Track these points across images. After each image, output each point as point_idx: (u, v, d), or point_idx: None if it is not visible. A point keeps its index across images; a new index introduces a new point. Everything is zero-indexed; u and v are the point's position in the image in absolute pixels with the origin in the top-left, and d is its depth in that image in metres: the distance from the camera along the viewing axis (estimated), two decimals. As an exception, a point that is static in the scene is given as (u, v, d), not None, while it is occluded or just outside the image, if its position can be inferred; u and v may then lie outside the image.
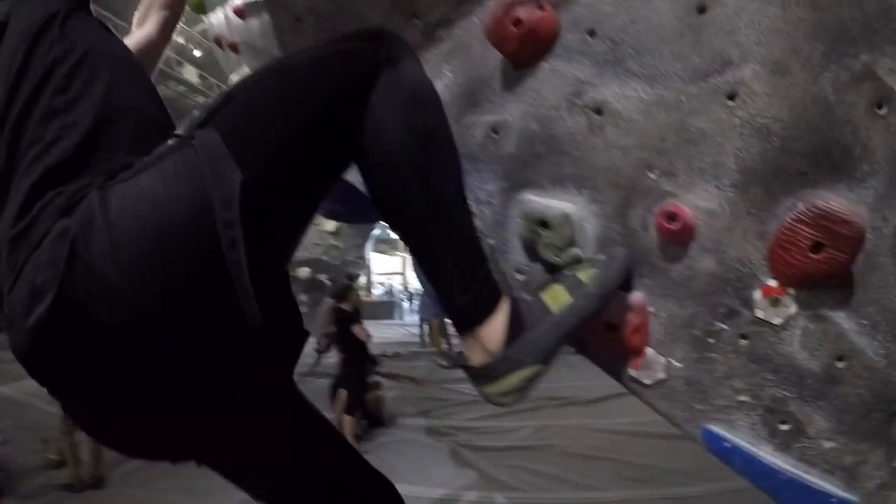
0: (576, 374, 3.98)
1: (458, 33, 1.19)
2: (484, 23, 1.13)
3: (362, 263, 15.09)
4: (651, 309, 1.07)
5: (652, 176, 1.03)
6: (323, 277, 12.24)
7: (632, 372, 1.10)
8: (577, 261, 1.06)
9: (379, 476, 1.03)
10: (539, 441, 4.51)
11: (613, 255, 1.04)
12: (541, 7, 1.10)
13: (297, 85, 0.76)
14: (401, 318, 19.80)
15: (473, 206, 1.15)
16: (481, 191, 1.22)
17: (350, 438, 4.14)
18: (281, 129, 0.72)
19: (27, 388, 6.59)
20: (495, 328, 0.85)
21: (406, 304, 21.25)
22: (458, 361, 0.88)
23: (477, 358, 0.86)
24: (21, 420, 5.32)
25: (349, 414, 4.62)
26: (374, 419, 5.00)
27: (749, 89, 0.94)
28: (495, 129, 1.19)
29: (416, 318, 14.01)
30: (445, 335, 9.93)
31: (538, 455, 4.17)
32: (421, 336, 12.21)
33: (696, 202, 1.00)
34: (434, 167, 0.80)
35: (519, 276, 1.18)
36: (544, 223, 1.12)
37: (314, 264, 12.10)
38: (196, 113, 0.79)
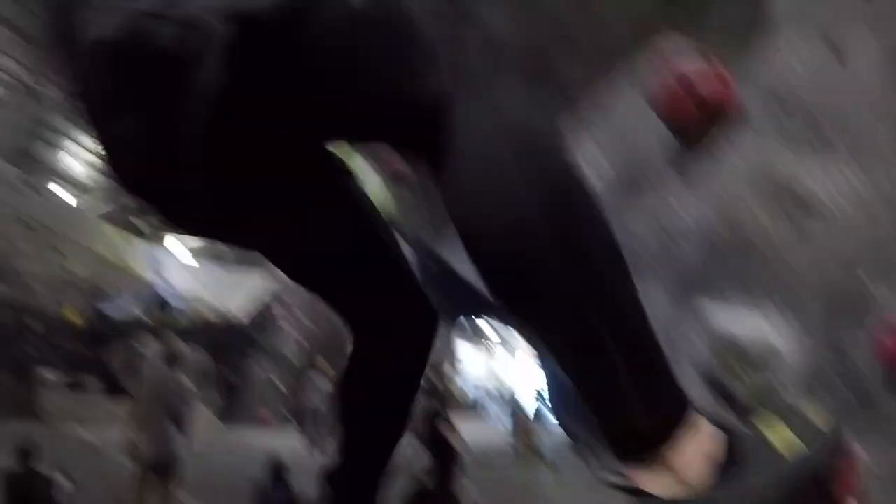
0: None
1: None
2: (652, 95, 1.08)
3: (447, 352, 14.86)
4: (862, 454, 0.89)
5: (866, 282, 0.89)
6: None
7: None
8: (772, 389, 0.91)
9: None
10: None
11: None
12: (722, 80, 1.03)
13: None
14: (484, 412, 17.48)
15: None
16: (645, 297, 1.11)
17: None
18: None
19: (108, 437, 6.80)
20: (692, 453, 0.65)
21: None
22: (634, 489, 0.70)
23: (663, 489, 0.66)
24: (95, 468, 5.44)
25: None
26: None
27: None
28: (665, 224, 1.10)
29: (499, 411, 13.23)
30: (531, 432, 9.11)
31: None
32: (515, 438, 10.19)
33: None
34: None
35: None
36: (733, 342, 0.98)
37: None
38: None
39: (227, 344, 10.63)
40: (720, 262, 0.98)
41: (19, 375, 7.89)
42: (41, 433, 6.98)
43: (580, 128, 1.14)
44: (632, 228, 1.10)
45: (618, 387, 0.59)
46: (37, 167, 17.36)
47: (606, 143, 1.12)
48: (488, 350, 20.31)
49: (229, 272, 10.71)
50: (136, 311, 8.74)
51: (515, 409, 10.43)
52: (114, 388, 12.51)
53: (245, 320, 10.24)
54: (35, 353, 7.99)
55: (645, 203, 1.09)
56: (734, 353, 0.90)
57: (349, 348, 0.96)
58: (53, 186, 13.39)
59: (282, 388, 11.01)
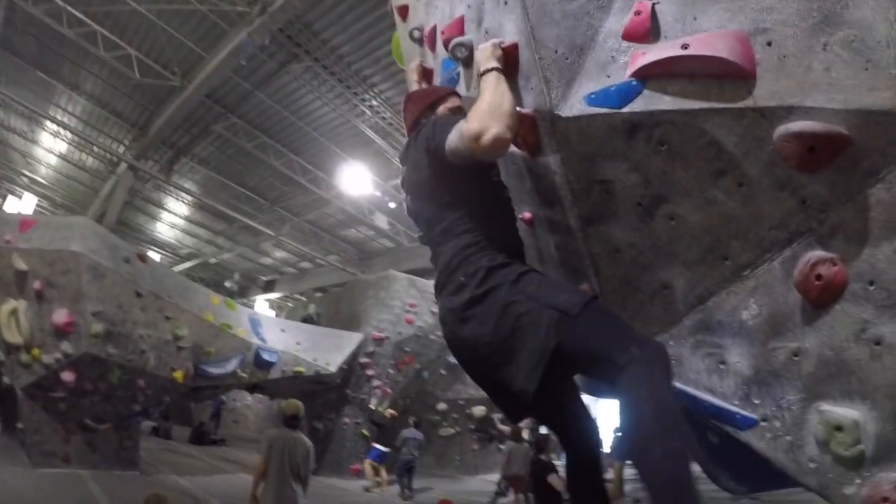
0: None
1: (761, 274, 1.56)
2: (793, 276, 1.48)
3: None
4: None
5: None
6: (496, 417, 12.49)
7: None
8: (862, 455, 1.32)
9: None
10: None
11: None
12: (834, 263, 1.44)
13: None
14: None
15: (776, 411, 1.45)
16: (783, 400, 1.51)
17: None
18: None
19: (206, 484, 7.25)
20: None
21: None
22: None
23: None
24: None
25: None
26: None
27: None
28: (796, 353, 1.50)
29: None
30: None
31: None
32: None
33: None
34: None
35: (812, 465, 1.44)
36: (839, 427, 1.38)
37: (489, 404, 12.33)
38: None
39: (318, 396, 11.23)
40: (831, 378, 1.48)
41: (126, 430, 8.55)
42: (140, 482, 7.58)
43: (746, 294, 1.63)
44: (775, 355, 1.57)
45: None
46: (133, 236, 19.04)
47: (761, 301, 1.62)
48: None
49: (321, 332, 11.36)
50: (235, 367, 9.34)
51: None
52: (198, 438, 13.31)
53: (335, 373, 10.76)
54: (139, 408, 8.61)
55: (784, 339, 1.58)
56: (833, 424, 1.38)
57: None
58: (153, 254, 14.82)
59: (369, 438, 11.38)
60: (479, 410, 12.36)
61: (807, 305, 1.48)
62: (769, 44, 1.46)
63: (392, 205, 16.29)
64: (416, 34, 2.61)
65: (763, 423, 1.53)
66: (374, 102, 11.75)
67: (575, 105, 1.60)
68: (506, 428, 10.02)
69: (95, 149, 14.35)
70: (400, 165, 2.01)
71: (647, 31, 1.56)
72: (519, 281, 1.57)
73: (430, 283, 11.56)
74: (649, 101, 1.51)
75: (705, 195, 1.55)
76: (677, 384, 1.68)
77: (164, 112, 12.25)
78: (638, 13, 1.58)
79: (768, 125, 1.45)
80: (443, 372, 12.47)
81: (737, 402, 1.57)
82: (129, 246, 8.60)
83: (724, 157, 1.49)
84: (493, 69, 1.67)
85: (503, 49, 1.75)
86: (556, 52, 1.64)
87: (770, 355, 1.52)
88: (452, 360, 11.88)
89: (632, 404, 1.34)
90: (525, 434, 9.10)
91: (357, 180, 14.91)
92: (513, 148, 1.91)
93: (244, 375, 9.60)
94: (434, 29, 2.40)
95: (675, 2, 1.58)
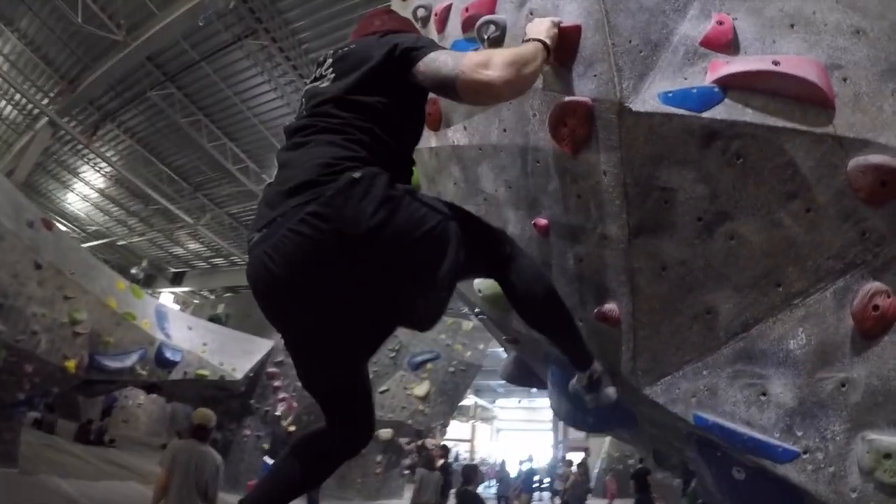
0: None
1: (812, 304, 1.54)
2: (849, 304, 1.47)
3: (444, 431, 14.84)
4: None
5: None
6: (403, 441, 12.15)
7: None
8: None
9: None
10: None
11: None
12: (889, 296, 1.45)
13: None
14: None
15: (819, 442, 1.42)
16: (828, 430, 1.47)
17: None
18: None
19: (92, 491, 6.44)
20: None
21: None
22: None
23: None
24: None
25: None
26: None
27: None
28: (843, 383, 1.48)
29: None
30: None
31: None
32: None
33: None
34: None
35: (853, 494, 1.42)
36: (888, 454, 1.37)
37: (397, 427, 12.02)
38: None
39: (220, 403, 10.38)
40: (878, 408, 1.47)
41: (6, 421, 7.49)
42: (19, 482, 6.63)
43: (795, 323, 1.60)
44: (823, 385, 1.57)
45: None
46: (39, 202, 17.11)
47: (810, 330, 1.58)
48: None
49: (230, 335, 10.59)
50: (134, 363, 8.49)
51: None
52: (85, 436, 11.92)
53: (241, 380, 10.03)
54: (24, 397, 7.60)
55: (833, 369, 1.58)
56: (882, 452, 1.40)
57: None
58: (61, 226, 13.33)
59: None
60: (385, 433, 12.01)
61: (857, 336, 1.48)
62: (845, 80, 1.49)
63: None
64: (422, 12, 2.43)
65: (804, 456, 1.49)
66: (326, 100, 11.41)
67: (648, 100, 1.52)
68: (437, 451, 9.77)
69: (17, 97, 12.84)
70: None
71: (729, 43, 1.53)
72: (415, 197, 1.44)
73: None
74: (732, 111, 1.46)
75: (772, 216, 1.51)
76: (710, 417, 1.61)
77: (99, 67, 11.12)
78: (720, 23, 1.54)
79: (844, 155, 1.44)
80: (351, 390, 12.02)
81: (777, 435, 1.52)
82: (36, 209, 7.63)
83: (797, 179, 1.47)
84: (539, 41, 1.54)
85: (561, 29, 1.62)
86: (630, 41, 1.56)
87: (816, 386, 1.49)
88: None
89: (535, 270, 1.72)
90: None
91: (292, 179, 14.36)
92: (542, 143, 1.80)
93: (143, 373, 8.74)
94: (448, 8, 2.23)
95: (754, 22, 1.57)
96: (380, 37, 1.62)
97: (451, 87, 1.44)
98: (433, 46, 1.55)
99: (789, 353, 1.54)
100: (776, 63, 1.44)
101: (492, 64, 1.41)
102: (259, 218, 1.41)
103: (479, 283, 2.37)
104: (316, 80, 1.65)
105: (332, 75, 1.59)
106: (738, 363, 1.61)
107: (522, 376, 2.88)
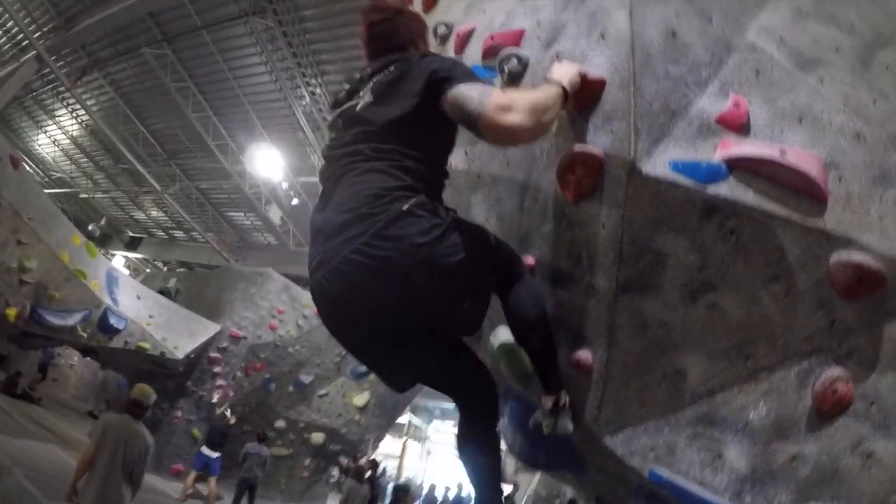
0: None
1: (776, 380, 1.63)
2: (811, 385, 1.57)
3: (377, 446, 14.58)
4: None
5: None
6: (336, 448, 11.94)
7: None
8: None
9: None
10: None
11: None
12: (847, 382, 1.55)
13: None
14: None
15: None
16: (775, 499, 1.56)
17: None
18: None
19: (10, 447, 6.12)
20: None
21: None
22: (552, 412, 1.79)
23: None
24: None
25: None
26: None
27: None
28: (794, 457, 1.57)
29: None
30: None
31: None
32: None
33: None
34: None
35: None
36: None
37: (331, 433, 11.85)
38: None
39: (155, 380, 10.00)
40: (823, 484, 1.55)
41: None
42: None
43: (759, 396, 1.69)
44: (775, 456, 1.65)
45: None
46: (7, 137, 16.29)
47: (771, 405, 1.68)
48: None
49: (177, 311, 10.28)
50: (76, 323, 8.16)
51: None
52: (11, 389, 11.28)
53: (181, 360, 9.71)
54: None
55: (786, 442, 1.70)
56: None
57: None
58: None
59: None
60: (317, 437, 11.84)
61: (814, 414, 1.57)
62: (840, 179, 1.60)
63: (295, 202, 15.61)
64: (443, 30, 2.46)
65: (750, 522, 1.57)
66: (318, 91, 11.33)
67: (659, 165, 1.59)
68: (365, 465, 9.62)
69: (10, 24, 12.31)
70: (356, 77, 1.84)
71: (742, 125, 1.63)
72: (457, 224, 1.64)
73: (305, 294, 11.04)
74: (734, 190, 1.55)
75: (754, 294, 1.60)
76: (665, 474, 1.67)
77: (99, 12, 10.82)
78: (737, 105, 1.64)
79: (828, 248, 1.55)
80: (290, 389, 11.68)
81: (727, 497, 1.59)
82: (6, 144, 7.32)
83: (783, 263, 1.56)
84: (561, 86, 1.59)
85: (586, 79, 1.66)
86: (651, 105, 1.64)
87: (770, 456, 1.57)
88: (303, 379, 11.51)
89: (534, 291, 1.81)
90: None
91: (267, 164, 14.12)
92: (544, 184, 1.85)
93: (83, 335, 8.43)
94: (471, 32, 2.27)
95: (767, 110, 1.67)
96: (420, 58, 1.67)
97: (473, 124, 1.52)
98: (465, 77, 1.60)
99: (749, 422, 1.62)
100: (783, 152, 1.53)
101: (514, 108, 1.47)
102: (314, 244, 1.63)
103: None
104: (349, 96, 1.74)
105: (370, 98, 1.67)
106: (699, 425, 1.68)
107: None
